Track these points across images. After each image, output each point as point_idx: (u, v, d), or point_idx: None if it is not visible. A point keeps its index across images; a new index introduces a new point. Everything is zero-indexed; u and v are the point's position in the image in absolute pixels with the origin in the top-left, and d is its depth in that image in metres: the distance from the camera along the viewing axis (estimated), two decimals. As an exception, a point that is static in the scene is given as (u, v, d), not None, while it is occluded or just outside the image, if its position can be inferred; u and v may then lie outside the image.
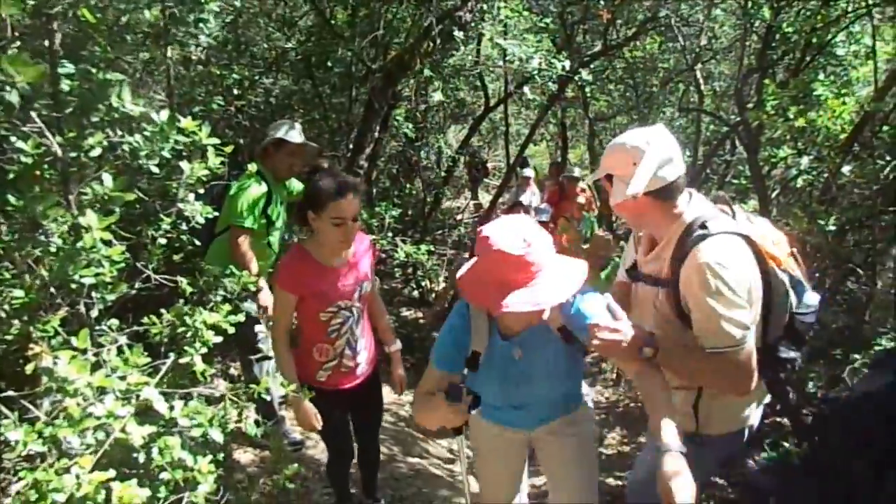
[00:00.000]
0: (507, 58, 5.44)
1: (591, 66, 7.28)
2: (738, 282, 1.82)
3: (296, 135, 3.61)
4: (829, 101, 3.53)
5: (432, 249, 6.83)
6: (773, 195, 4.48)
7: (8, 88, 1.50)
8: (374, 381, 3.00)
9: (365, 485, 3.39)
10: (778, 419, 4.69)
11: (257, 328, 3.58)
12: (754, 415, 2.19)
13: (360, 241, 2.74)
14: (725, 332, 1.82)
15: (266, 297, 3.36)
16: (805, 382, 3.92)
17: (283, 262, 2.71)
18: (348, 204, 2.49)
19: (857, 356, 3.77)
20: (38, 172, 1.66)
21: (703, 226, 1.90)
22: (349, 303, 2.70)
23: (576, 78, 5.76)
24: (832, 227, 3.33)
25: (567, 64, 5.00)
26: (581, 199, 6.43)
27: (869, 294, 3.89)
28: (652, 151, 1.88)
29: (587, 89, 7.88)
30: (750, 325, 1.85)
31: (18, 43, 1.90)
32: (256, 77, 5.71)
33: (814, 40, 4.10)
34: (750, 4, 4.40)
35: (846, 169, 3.52)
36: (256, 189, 3.44)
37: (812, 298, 2.03)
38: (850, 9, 4.04)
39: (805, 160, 3.74)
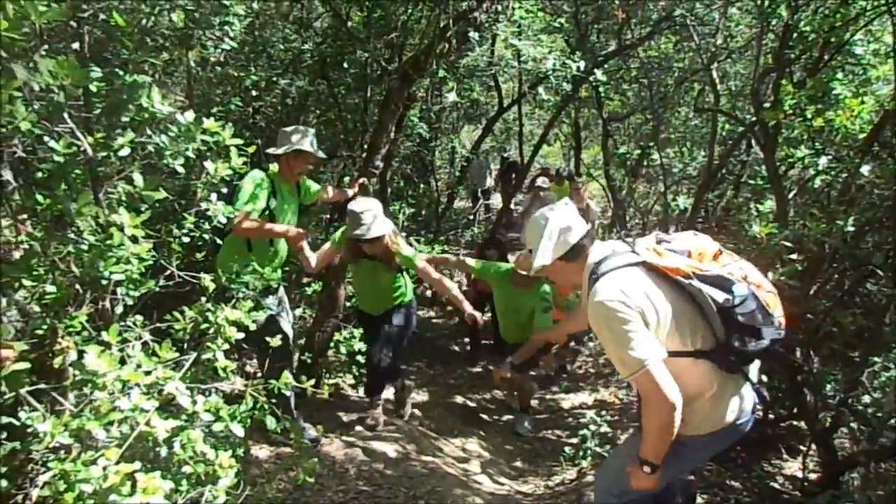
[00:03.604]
0: (522, 58, 5.45)
1: (606, 65, 7.27)
2: (626, 311, 2.03)
3: (310, 144, 3.72)
4: (847, 101, 3.51)
5: (446, 249, 6.86)
6: (791, 195, 4.45)
7: (55, 90, 1.55)
8: None
9: None
10: (795, 423, 4.67)
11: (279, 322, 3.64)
12: (730, 414, 2.24)
13: None
14: (626, 360, 2.03)
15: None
16: (823, 385, 3.90)
17: None
18: None
19: (876, 359, 3.74)
20: (69, 171, 1.70)
21: (594, 269, 2.20)
22: None
23: (590, 78, 5.76)
24: (851, 228, 3.29)
25: (581, 64, 5.00)
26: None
27: (889, 296, 3.85)
28: (550, 225, 2.26)
29: (601, 89, 7.86)
30: (642, 350, 2.01)
31: (46, 46, 1.94)
32: (273, 78, 5.76)
33: (832, 39, 4.07)
34: (767, 3, 4.38)
35: (865, 169, 3.48)
36: (255, 180, 3.54)
37: (741, 289, 2.15)
38: (869, 7, 4.00)
39: (823, 160, 3.71)
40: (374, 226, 3.83)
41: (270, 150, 3.69)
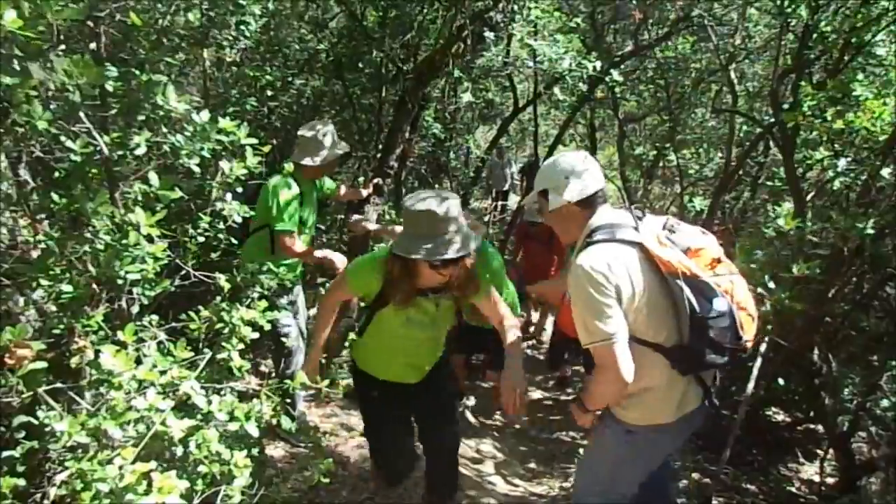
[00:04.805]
0: (537, 58, 5.42)
1: (622, 66, 7.22)
2: (606, 284, 2.05)
3: (330, 144, 3.67)
4: (868, 102, 3.45)
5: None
6: (809, 198, 4.40)
7: (71, 89, 1.55)
8: None
9: None
10: (812, 426, 4.62)
11: (285, 321, 3.66)
12: (678, 409, 2.28)
13: None
14: (591, 329, 2.07)
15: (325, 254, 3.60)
16: (841, 389, 3.85)
17: None
18: None
19: (895, 363, 3.69)
20: (85, 171, 1.71)
21: (593, 234, 2.20)
22: None
23: (606, 78, 5.72)
24: (871, 231, 3.25)
25: (597, 64, 4.97)
26: None
27: (908, 299, 3.81)
28: (577, 167, 2.26)
29: (617, 90, 7.79)
30: (611, 325, 2.04)
31: (63, 46, 1.96)
32: (289, 78, 5.77)
33: (853, 40, 4.01)
34: (786, 3, 4.33)
35: (886, 171, 3.44)
36: (287, 192, 3.52)
37: (721, 304, 2.14)
38: (891, 7, 3.94)
39: (842, 162, 3.66)
40: (464, 234, 2.39)
41: (299, 161, 3.63)
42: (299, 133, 3.69)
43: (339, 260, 3.59)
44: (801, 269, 3.20)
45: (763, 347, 3.56)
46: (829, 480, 3.95)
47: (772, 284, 3.25)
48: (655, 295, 2.13)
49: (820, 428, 4.36)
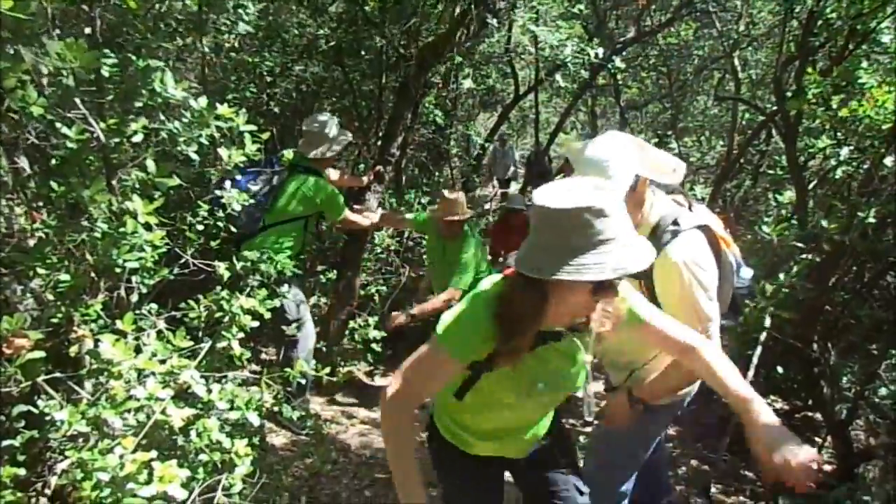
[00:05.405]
0: (539, 45, 5.38)
1: (624, 52, 7.18)
2: (708, 278, 2.00)
3: (335, 144, 3.86)
4: (872, 90, 3.42)
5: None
6: (811, 186, 4.38)
7: (64, 73, 1.53)
8: None
9: None
10: (810, 414, 4.63)
11: (290, 309, 3.67)
12: (693, 386, 2.31)
13: None
14: (702, 315, 1.98)
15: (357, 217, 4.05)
16: (839, 377, 3.85)
17: None
18: None
19: (894, 351, 3.69)
20: (82, 158, 1.70)
21: (675, 222, 2.05)
22: None
23: (608, 65, 5.68)
24: (872, 220, 3.24)
25: (599, 51, 4.93)
26: None
27: (909, 288, 3.80)
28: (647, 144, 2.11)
29: (619, 77, 7.77)
30: (713, 312, 2.01)
31: (58, 31, 1.93)
32: (288, 64, 5.72)
33: (858, 27, 3.97)
34: (791, -10, 4.29)
35: (889, 160, 3.42)
36: (330, 185, 3.80)
37: (747, 273, 2.23)
38: (896, -6, 3.90)
39: (845, 151, 3.64)
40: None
41: (312, 154, 3.77)
42: (304, 128, 3.80)
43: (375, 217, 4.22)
44: (789, 277, 3.21)
45: (763, 336, 3.56)
46: (828, 468, 3.96)
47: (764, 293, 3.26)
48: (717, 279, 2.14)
49: (818, 416, 4.36)
